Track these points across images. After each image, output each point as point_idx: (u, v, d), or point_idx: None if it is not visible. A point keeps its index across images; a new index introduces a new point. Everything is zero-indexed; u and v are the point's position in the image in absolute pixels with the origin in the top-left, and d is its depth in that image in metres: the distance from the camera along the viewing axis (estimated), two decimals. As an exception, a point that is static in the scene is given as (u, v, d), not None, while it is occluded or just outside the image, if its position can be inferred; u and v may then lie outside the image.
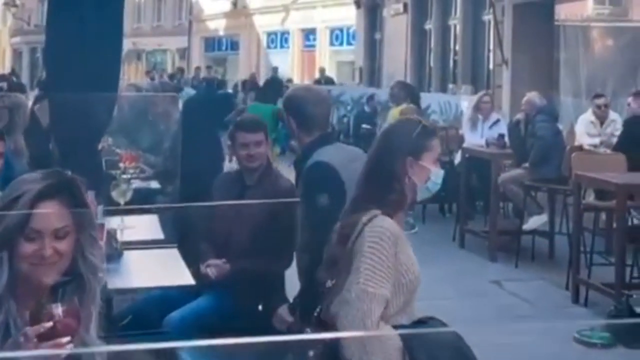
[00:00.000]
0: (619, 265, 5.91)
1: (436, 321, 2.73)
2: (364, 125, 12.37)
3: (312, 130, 3.53)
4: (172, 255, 3.88)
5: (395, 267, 2.62)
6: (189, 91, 15.62)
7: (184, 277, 3.58)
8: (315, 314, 2.71)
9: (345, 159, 3.42)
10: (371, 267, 2.59)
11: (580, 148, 8.23)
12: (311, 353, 2.62)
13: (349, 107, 15.73)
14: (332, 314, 2.62)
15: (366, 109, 13.43)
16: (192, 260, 4.00)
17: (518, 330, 5.38)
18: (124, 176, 5.04)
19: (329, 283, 2.67)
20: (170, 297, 3.90)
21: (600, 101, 8.92)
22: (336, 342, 2.57)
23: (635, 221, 6.59)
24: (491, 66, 13.96)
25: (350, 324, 2.55)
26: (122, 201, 4.49)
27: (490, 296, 6.58)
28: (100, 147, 5.49)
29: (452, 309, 5.82)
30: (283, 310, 3.60)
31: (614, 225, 6.66)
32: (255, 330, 3.82)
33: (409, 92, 9.44)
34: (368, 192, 2.75)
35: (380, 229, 2.62)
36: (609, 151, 7.87)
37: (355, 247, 2.62)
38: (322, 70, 21.06)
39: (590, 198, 7.32)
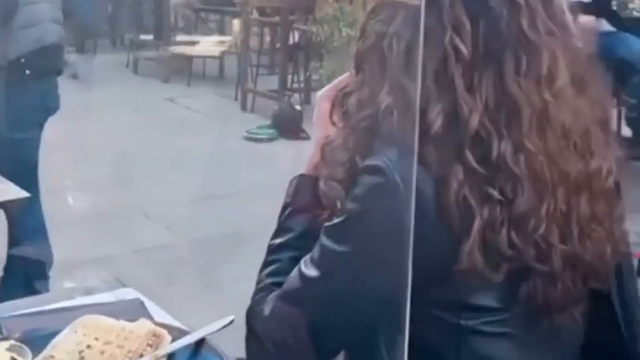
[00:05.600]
0: (282, 73, 6.49)
1: None
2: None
3: None
4: None
5: None
6: None
7: None
8: None
9: None
10: None
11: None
12: None
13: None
14: None
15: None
16: None
17: (194, 136, 5.73)
18: None
19: None
20: None
21: None
22: None
23: (296, 37, 7.12)
24: None
25: None
26: None
27: (166, 110, 6.84)
28: None
29: (130, 122, 6.03)
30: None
31: (277, 45, 7.22)
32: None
33: None
34: None
35: None
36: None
37: None
38: None
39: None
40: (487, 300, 1.06)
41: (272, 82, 6.75)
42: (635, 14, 5.15)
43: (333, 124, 1.18)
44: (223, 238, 4.04)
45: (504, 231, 1.01)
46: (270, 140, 5.78)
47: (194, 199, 4.58)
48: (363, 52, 1.13)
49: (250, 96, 6.75)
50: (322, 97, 1.25)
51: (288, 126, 5.75)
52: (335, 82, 1.25)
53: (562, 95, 1.05)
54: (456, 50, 1.04)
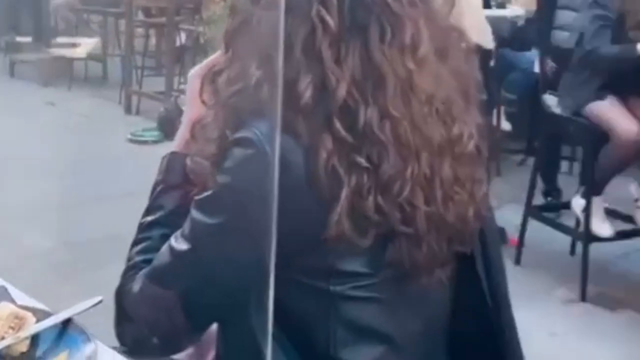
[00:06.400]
0: (169, 74, 6.41)
1: None
2: None
3: None
4: None
5: None
6: None
7: None
8: None
9: None
10: None
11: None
12: None
13: None
14: None
15: None
16: None
17: (77, 140, 5.58)
18: None
19: None
20: None
21: None
22: None
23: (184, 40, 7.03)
24: None
25: None
26: None
27: (46, 114, 6.63)
28: None
29: (8, 126, 5.80)
30: None
31: (163, 47, 7.12)
32: None
33: None
34: None
35: None
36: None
37: None
38: None
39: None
40: (355, 265, 1.07)
41: (158, 84, 6.65)
42: (512, 13, 5.34)
43: (203, 102, 1.18)
44: (106, 240, 3.94)
45: (370, 197, 1.03)
46: (155, 142, 5.69)
47: (77, 203, 4.45)
48: (232, 30, 1.13)
49: (135, 98, 6.63)
50: (193, 75, 1.24)
51: (174, 127, 5.65)
52: (206, 61, 1.25)
53: (425, 63, 1.08)
54: (323, 22, 1.05)
